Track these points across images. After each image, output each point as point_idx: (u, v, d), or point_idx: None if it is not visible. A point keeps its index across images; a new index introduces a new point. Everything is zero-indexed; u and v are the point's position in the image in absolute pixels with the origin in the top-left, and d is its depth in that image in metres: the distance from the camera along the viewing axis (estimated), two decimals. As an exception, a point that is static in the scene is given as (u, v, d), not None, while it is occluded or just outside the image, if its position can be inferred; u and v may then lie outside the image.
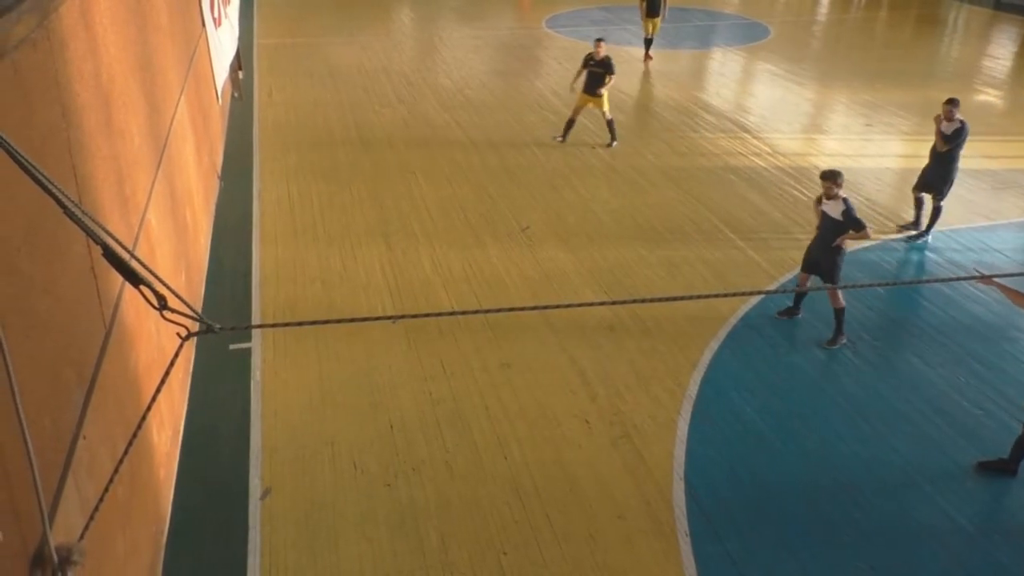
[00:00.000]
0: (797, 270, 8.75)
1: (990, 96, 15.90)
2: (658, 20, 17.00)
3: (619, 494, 5.66)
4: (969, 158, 12.14)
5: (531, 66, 17.09)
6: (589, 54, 11.98)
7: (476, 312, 5.09)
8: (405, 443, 6.09)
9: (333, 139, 12.51)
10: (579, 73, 12.11)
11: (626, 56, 17.58)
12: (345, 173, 11.16)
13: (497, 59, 17.78)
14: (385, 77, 15.86)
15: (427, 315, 4.50)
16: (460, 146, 12.28)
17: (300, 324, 2.85)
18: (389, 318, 4.14)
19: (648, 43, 17.24)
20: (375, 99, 14.49)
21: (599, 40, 12.02)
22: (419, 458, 5.95)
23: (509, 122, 13.39)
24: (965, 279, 8.58)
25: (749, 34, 20.39)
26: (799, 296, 7.86)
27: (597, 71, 11.86)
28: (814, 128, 13.75)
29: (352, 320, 3.21)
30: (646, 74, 16.47)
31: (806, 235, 9.56)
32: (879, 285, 8.60)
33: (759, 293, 8.32)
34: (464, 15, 22.08)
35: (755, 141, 12.74)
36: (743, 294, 8.13)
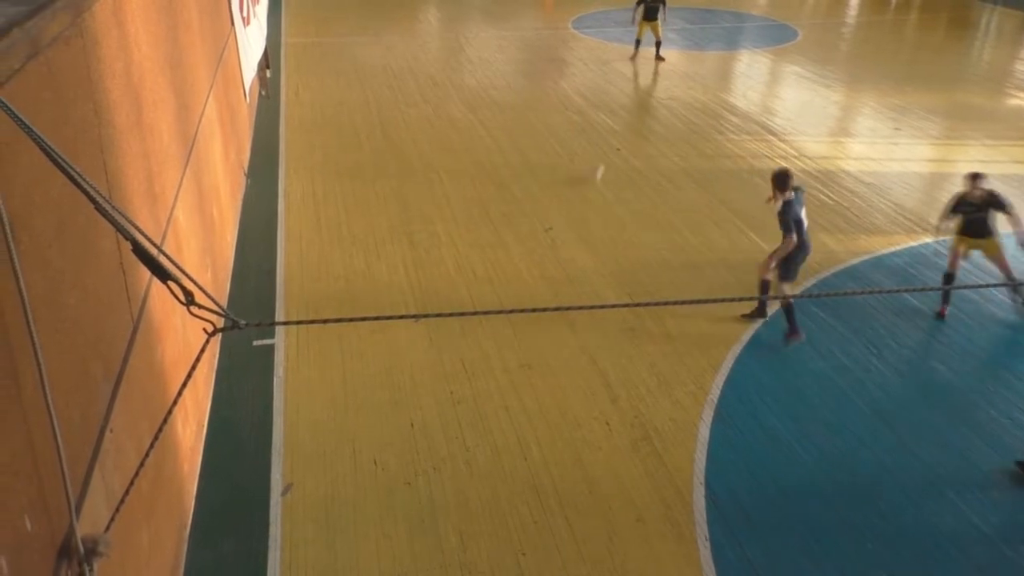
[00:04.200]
0: (822, 275, 8.67)
1: (1022, 100, 15.62)
2: (658, 23, 16.68)
3: (638, 497, 5.63)
4: (1001, 163, 11.96)
5: (556, 67, 17.08)
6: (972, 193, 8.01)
7: (498, 312, 5.08)
8: (426, 442, 6.11)
9: (358, 138, 12.59)
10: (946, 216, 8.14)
11: (651, 57, 17.51)
12: (370, 172, 11.22)
13: (522, 59, 17.79)
14: (411, 76, 15.93)
15: (449, 314, 4.52)
16: (484, 146, 12.30)
17: (324, 322, 2.87)
18: (412, 317, 4.15)
19: (657, 45, 16.94)
20: (400, 98, 14.56)
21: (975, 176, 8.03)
22: (439, 457, 5.97)
23: (534, 123, 13.39)
24: (993, 286, 8.45)
25: (777, 36, 20.22)
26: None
27: None
28: (841, 131, 13.61)
29: (375, 318, 3.23)
30: (669, 75, 16.37)
31: (831, 238, 9.48)
32: (906, 291, 8.49)
33: (783, 298, 8.25)
34: (490, 15, 22.11)
35: (781, 144, 12.62)
36: (767, 298, 8.06)
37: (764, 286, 7.60)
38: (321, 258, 8.81)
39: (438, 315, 3.59)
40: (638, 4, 16.74)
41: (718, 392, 6.75)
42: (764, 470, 5.93)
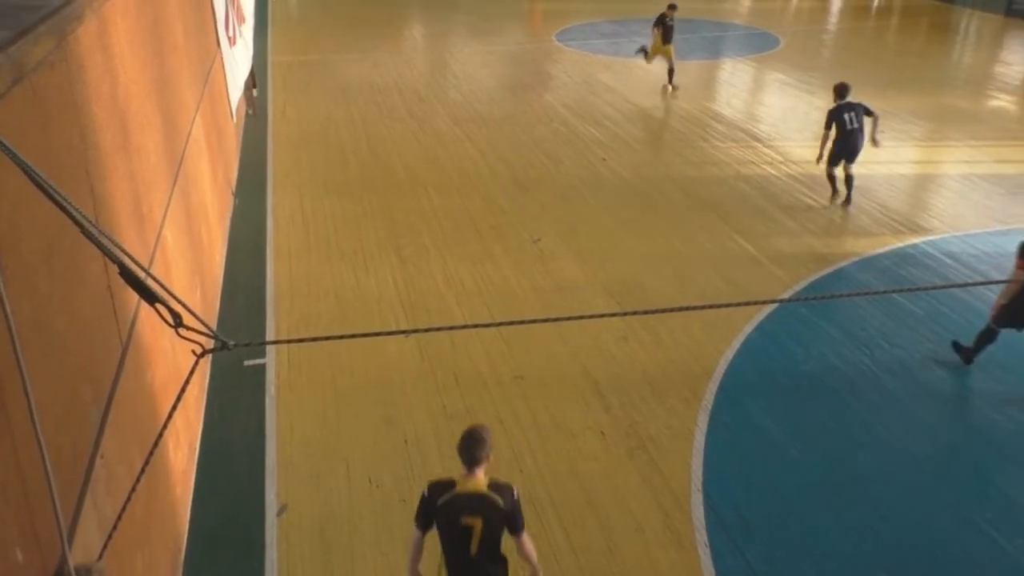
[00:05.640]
0: (811, 278, 8.71)
1: (1003, 102, 15.80)
2: (672, 47, 15.82)
3: (636, 506, 5.62)
4: (985, 163, 12.08)
5: (541, 80, 17.16)
6: None
7: (488, 325, 5.06)
8: (420, 458, 6.08)
9: (345, 154, 12.59)
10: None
11: (636, 68, 17.63)
12: (357, 188, 11.22)
13: (507, 73, 17.87)
14: (396, 92, 15.97)
15: (439, 328, 4.51)
16: (471, 159, 12.33)
17: (314, 340, 2.86)
18: (402, 333, 4.18)
19: (671, 72, 15.96)
20: (387, 114, 14.58)
21: None
22: (434, 472, 5.93)
23: (519, 135, 13.44)
24: (982, 283, 8.50)
25: (759, 44, 20.39)
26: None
27: None
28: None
29: (365, 335, 3.22)
30: (654, 85, 16.46)
31: (819, 241, 9.53)
32: (896, 292, 8.54)
33: (773, 302, 8.27)
34: (475, 30, 22.22)
35: (766, 150, 12.71)
36: (757, 303, 8.09)
37: (829, 178, 10.51)
38: (310, 275, 8.79)
39: (428, 330, 3.58)
40: (656, 26, 15.69)
41: (712, 398, 6.75)
42: (761, 474, 5.93)
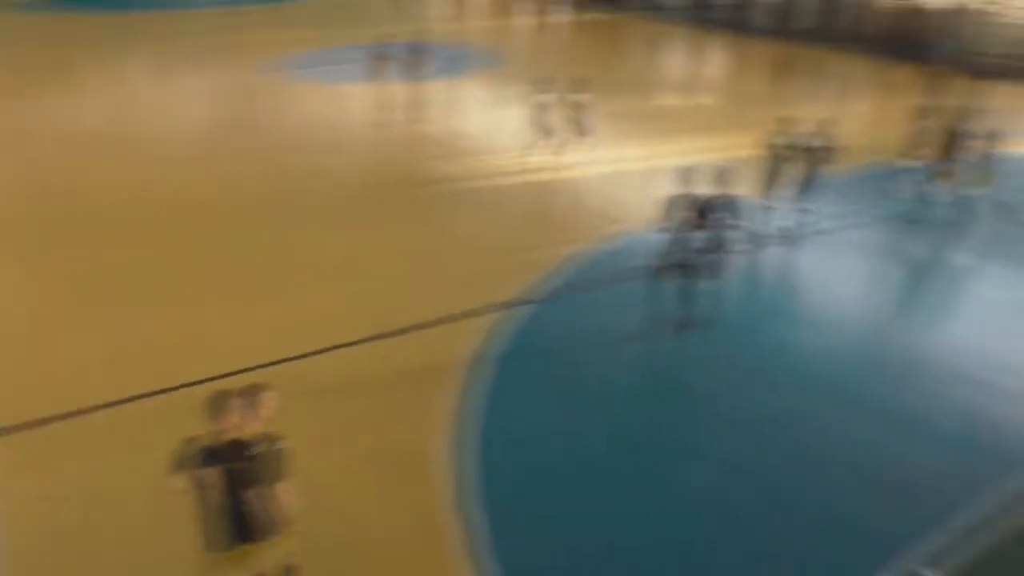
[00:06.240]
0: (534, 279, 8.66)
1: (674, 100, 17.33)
2: None
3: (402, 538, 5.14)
4: (663, 158, 13.00)
5: (245, 113, 16.10)
6: None
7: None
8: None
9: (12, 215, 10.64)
10: None
11: (346, 95, 17.12)
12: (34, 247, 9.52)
13: (208, 110, 16.53)
14: (81, 139, 13.95)
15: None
16: (156, 206, 11.05)
17: None
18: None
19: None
20: (61, 165, 12.58)
21: None
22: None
23: (225, 170, 12.39)
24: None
25: (473, 61, 20.76)
26: None
27: None
28: (524, 144, 14.06)
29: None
30: (365, 112, 16.07)
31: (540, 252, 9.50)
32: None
33: (517, 304, 8.20)
34: (161, 65, 20.22)
35: (476, 163, 12.86)
36: (478, 313, 7.94)
37: None
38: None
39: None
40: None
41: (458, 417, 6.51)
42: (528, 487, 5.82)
